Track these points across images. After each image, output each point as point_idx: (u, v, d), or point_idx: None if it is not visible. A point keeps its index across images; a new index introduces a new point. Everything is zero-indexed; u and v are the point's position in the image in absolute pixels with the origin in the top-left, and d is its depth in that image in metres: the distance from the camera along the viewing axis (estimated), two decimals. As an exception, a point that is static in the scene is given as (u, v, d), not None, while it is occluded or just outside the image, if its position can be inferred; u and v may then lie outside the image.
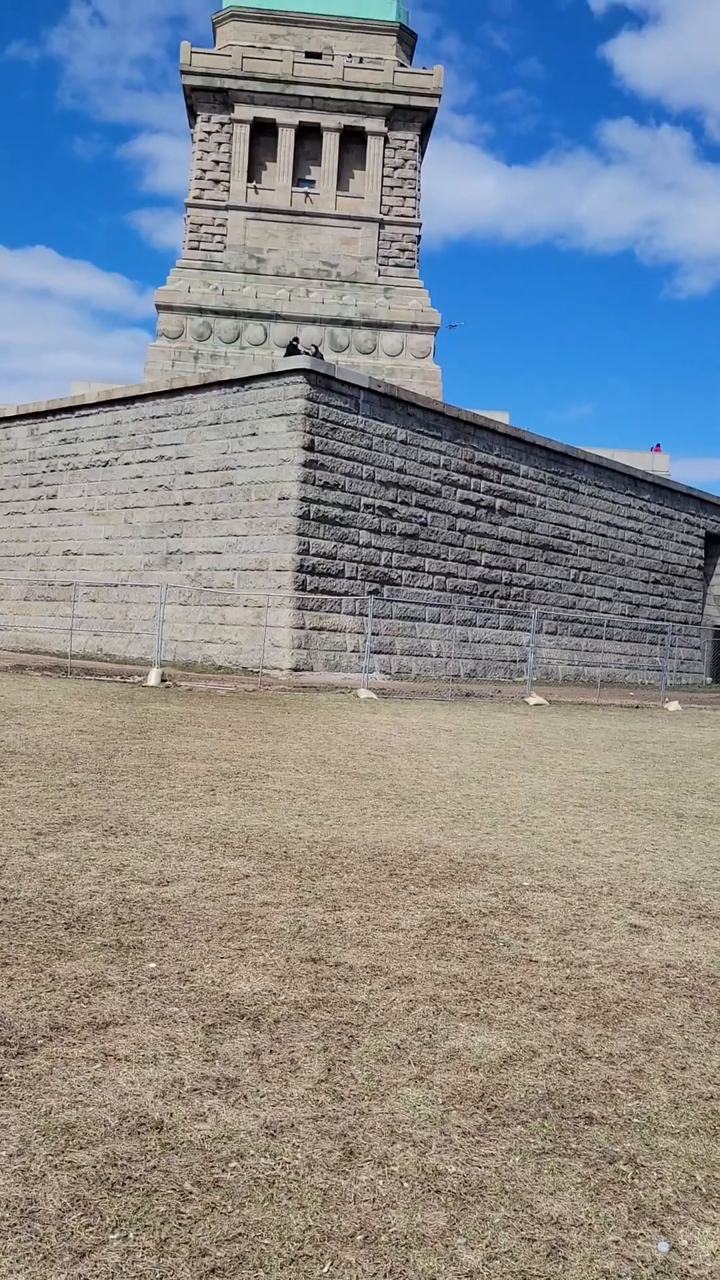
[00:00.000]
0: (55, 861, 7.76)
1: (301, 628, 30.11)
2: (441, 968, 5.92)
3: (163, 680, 24.35)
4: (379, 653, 31.56)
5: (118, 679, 25.53)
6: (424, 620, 34.02)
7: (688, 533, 48.18)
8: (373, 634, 29.99)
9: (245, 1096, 4.26)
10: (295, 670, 29.50)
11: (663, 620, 45.74)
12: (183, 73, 48.39)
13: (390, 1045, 4.82)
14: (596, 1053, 4.88)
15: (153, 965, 5.71)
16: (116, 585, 34.86)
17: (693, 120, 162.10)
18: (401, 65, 49.49)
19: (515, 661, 36.97)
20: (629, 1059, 4.84)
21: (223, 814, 9.88)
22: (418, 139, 49.78)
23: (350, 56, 48.87)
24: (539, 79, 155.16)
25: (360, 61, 48.75)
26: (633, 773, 14.87)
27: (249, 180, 48.80)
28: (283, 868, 7.96)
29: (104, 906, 6.72)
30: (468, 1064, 4.67)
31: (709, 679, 49.68)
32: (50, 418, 39.02)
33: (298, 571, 30.18)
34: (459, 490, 35.70)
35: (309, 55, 48.71)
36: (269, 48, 48.67)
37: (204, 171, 49.07)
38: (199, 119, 49.23)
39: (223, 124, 48.87)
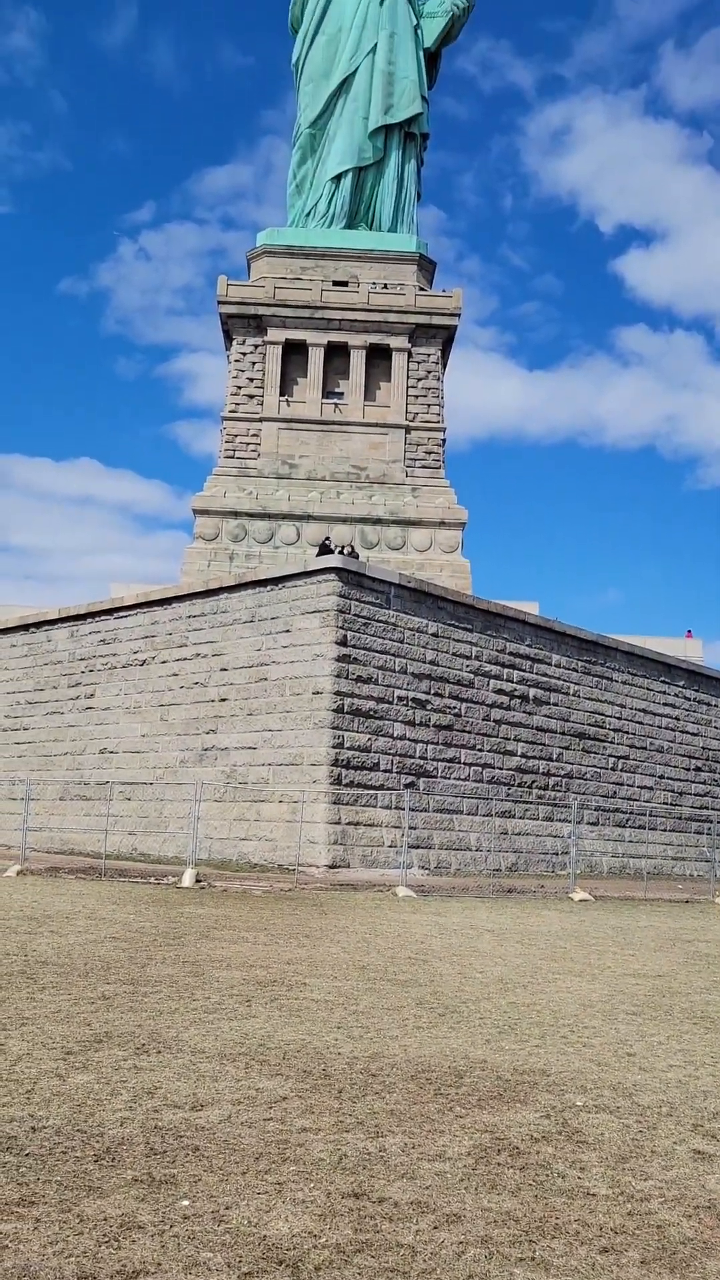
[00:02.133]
0: (85, 1084, 7.46)
1: (337, 823, 29.78)
2: (492, 1203, 5.54)
3: (197, 881, 23.98)
4: (417, 847, 31.02)
5: (152, 880, 25.16)
6: (461, 813, 33.56)
7: (725, 717, 47.80)
8: (410, 828, 29.56)
9: None
10: (332, 867, 28.98)
11: (707, 809, 44.83)
12: (219, 303, 52.15)
13: (440, 1297, 4.47)
14: (666, 1305, 4.49)
15: (185, 1203, 5.39)
16: (151, 783, 34.86)
17: (704, 325, 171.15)
18: (422, 289, 53.08)
19: (557, 854, 36.13)
20: (702, 1312, 4.44)
21: (259, 1027, 9.52)
22: (439, 352, 52.82)
23: (375, 284, 52.56)
24: (555, 292, 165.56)
25: (384, 287, 52.39)
26: (687, 976, 14.24)
27: (281, 394, 51.70)
28: (321, 1088, 7.60)
29: (135, 1135, 6.41)
30: (525, 1320, 4.30)
31: (758, 868, 48.04)
32: (90, 619, 40.12)
33: (333, 765, 30.11)
34: (492, 681, 35.91)
35: (336, 284, 52.44)
36: (299, 278, 52.52)
37: (239, 388, 52.10)
38: (234, 342, 52.67)
39: (256, 345, 52.23)
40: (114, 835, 32.64)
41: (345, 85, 53.85)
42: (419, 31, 54.56)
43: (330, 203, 54.50)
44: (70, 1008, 10.04)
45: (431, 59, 55.71)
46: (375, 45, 53.53)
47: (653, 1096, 7.76)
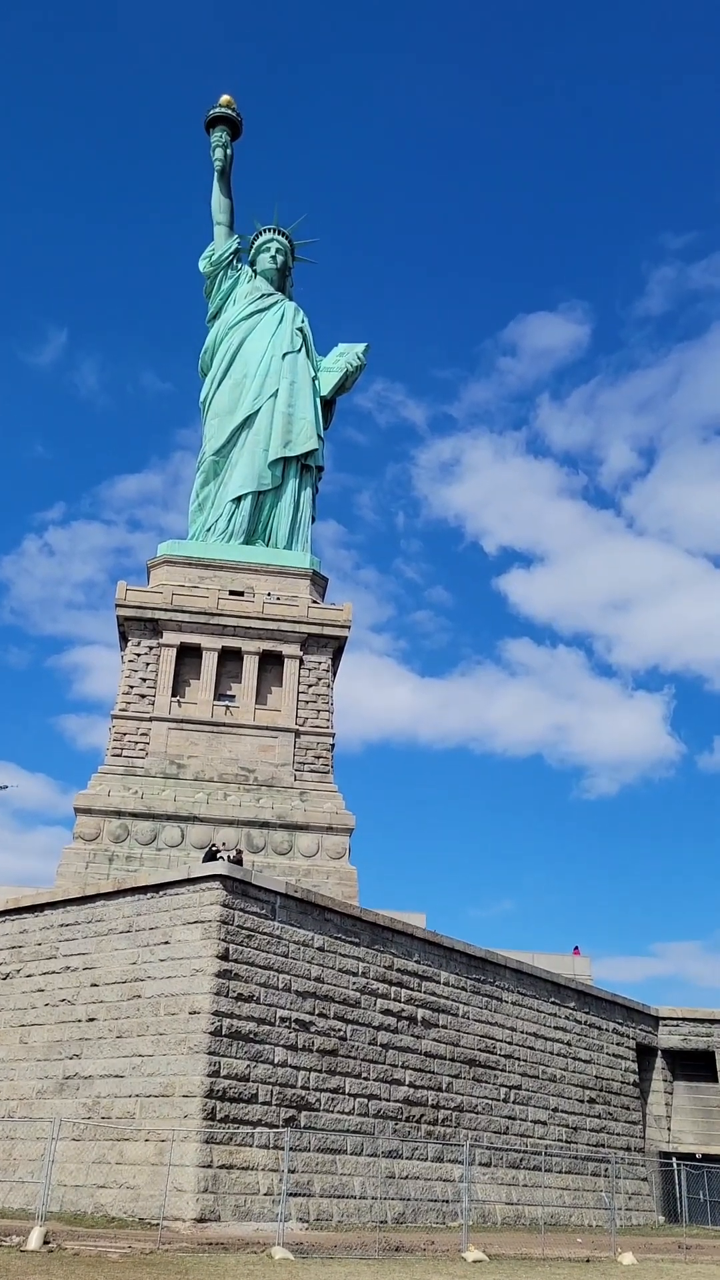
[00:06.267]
0: None
1: (209, 1166, 26.77)
2: None
3: (45, 1242, 20.84)
4: (296, 1195, 27.93)
5: (-8, 1241, 21.78)
6: (345, 1152, 30.68)
7: (618, 1044, 46.06)
8: (289, 1171, 26.72)
9: None
10: (200, 1220, 25.72)
11: (604, 1146, 42.09)
12: (118, 605, 53.27)
13: None
14: None
15: None
16: (1, 1119, 31.10)
17: (583, 642, 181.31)
18: (315, 601, 55.38)
19: (448, 1201, 32.96)
20: None
21: None
22: (330, 660, 54.40)
23: (270, 595, 54.70)
24: (445, 604, 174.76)
25: (278, 599, 54.51)
26: None
27: (173, 695, 51.93)
28: None
29: None
30: None
31: (661, 1218, 44.51)
32: (-49, 925, 37.21)
33: (206, 1097, 27.49)
34: (379, 1000, 34.10)
35: (232, 593, 54.39)
36: (197, 586, 54.36)
37: (131, 687, 52.21)
38: (130, 643, 53.37)
39: (151, 647, 52.98)
40: (-49, 1182, 28.65)
41: (248, 421, 58.56)
42: (316, 382, 60.50)
43: (230, 520, 57.64)
44: None
45: (327, 404, 61.42)
46: (277, 390, 58.95)
47: None
